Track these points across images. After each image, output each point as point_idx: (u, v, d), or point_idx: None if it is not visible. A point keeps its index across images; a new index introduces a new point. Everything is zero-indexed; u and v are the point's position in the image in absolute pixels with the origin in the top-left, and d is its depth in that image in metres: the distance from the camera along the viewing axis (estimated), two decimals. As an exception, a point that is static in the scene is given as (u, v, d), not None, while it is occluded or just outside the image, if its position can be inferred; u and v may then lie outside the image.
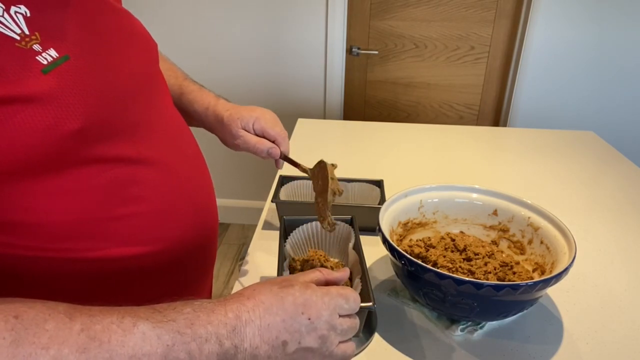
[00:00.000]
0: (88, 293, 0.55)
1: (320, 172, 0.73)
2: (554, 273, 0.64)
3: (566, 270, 0.65)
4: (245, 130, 0.77)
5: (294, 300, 0.46)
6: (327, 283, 0.52)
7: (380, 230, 0.72)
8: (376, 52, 2.22)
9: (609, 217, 1.05)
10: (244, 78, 2.26)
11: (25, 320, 0.35)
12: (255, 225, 0.99)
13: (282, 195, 0.96)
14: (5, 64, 0.44)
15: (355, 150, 1.38)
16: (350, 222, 0.80)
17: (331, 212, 0.71)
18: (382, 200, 0.93)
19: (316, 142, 1.42)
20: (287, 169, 1.19)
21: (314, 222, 0.80)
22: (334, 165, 0.73)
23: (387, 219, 0.77)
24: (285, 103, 2.30)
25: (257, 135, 0.78)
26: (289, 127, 1.51)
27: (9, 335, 0.34)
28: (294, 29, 2.15)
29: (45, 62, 0.46)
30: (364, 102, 2.34)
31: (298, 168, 0.77)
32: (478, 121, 2.35)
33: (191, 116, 0.81)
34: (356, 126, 1.61)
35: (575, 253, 0.68)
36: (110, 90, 0.54)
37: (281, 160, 0.79)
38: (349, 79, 2.29)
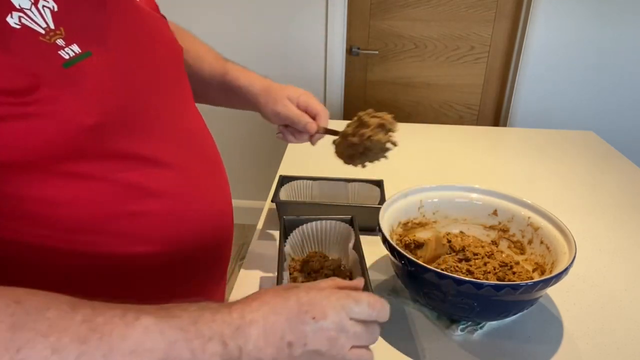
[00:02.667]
0: (100, 287, 0.56)
1: (361, 122, 0.74)
2: (554, 273, 0.64)
3: (566, 270, 0.65)
4: (290, 101, 0.79)
5: (298, 299, 0.44)
6: None
7: (380, 230, 0.72)
8: (376, 52, 2.22)
9: (609, 217, 1.05)
10: (244, 78, 2.26)
11: (26, 306, 0.35)
12: (255, 225, 0.99)
13: (282, 195, 0.96)
14: (28, 56, 0.45)
15: (355, 150, 1.38)
16: (350, 222, 0.80)
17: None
18: (382, 200, 0.93)
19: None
20: (287, 170, 1.19)
21: (314, 222, 0.80)
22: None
23: (387, 219, 0.77)
24: (285, 103, 2.29)
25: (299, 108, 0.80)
26: (289, 127, 1.51)
27: (9, 319, 0.34)
28: (294, 29, 2.15)
29: (67, 57, 0.47)
30: (364, 102, 2.34)
31: (338, 134, 0.79)
32: (478, 121, 2.35)
33: (235, 92, 0.83)
34: (356, 126, 1.60)
35: (575, 253, 0.68)
36: (130, 89, 0.54)
37: (316, 136, 0.81)
38: (349, 79, 2.29)
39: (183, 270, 0.63)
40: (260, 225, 0.98)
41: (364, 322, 0.45)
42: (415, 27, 2.16)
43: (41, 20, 0.47)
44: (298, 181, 1.00)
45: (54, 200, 0.50)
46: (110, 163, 0.53)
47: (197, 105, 0.74)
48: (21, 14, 0.45)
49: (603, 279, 0.85)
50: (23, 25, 0.45)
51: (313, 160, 1.26)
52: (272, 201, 0.94)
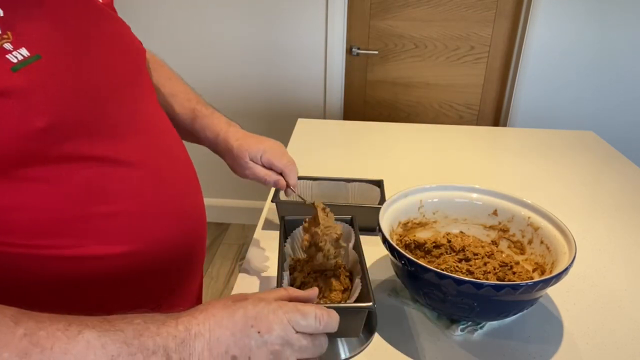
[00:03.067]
0: (66, 292, 0.55)
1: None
2: (554, 273, 0.64)
3: (566, 270, 0.65)
4: (254, 162, 0.79)
5: (245, 313, 0.44)
6: (291, 301, 0.50)
7: (380, 230, 0.72)
8: (376, 52, 2.22)
9: (609, 217, 1.05)
10: (244, 78, 2.26)
11: None
12: (255, 225, 0.99)
13: (282, 195, 0.96)
14: None
15: (355, 150, 1.38)
16: (350, 222, 0.80)
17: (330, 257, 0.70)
18: (382, 200, 0.93)
19: (316, 142, 1.42)
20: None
21: (314, 222, 0.80)
22: (324, 211, 0.72)
23: (387, 219, 0.77)
24: (285, 103, 2.30)
25: (264, 166, 0.80)
26: (289, 127, 1.51)
27: None
28: (294, 29, 2.15)
29: (15, 61, 0.47)
30: (364, 102, 2.34)
31: (305, 203, 0.77)
32: (478, 121, 2.35)
33: (202, 141, 0.84)
34: (356, 126, 1.61)
35: (575, 253, 0.68)
36: (85, 89, 0.54)
37: (289, 190, 0.81)
38: (349, 79, 2.29)
39: (154, 271, 0.62)
40: (260, 225, 0.98)
41: (311, 335, 0.46)
42: (415, 27, 2.16)
43: None
44: (298, 181, 1.00)
45: (8, 205, 0.49)
46: (67, 165, 0.52)
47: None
48: None
49: (603, 279, 0.85)
50: None
51: (313, 160, 1.26)
52: (272, 201, 0.94)
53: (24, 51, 0.48)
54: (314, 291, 0.53)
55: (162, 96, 0.82)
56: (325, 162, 1.27)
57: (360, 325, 0.65)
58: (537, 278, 0.74)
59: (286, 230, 0.78)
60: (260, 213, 1.03)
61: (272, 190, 1.01)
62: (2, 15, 0.48)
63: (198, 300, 0.81)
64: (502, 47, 2.17)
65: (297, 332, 0.45)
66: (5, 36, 0.48)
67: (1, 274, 0.51)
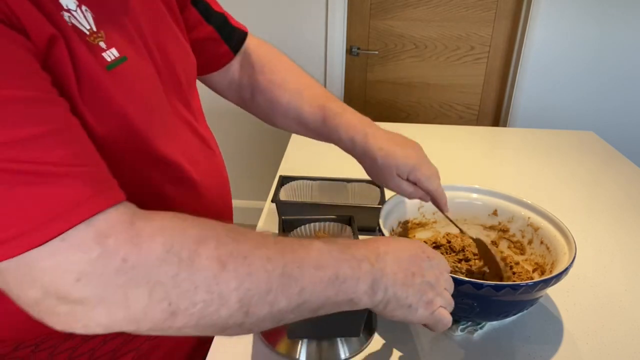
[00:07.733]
0: None
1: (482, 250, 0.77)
2: (554, 273, 0.64)
3: (566, 270, 0.65)
4: (399, 177, 0.73)
5: (420, 245, 0.56)
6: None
7: (380, 230, 0.72)
8: (376, 52, 2.22)
9: (609, 217, 1.04)
10: (244, 78, 2.26)
11: (233, 229, 0.46)
12: (255, 225, 0.99)
13: (282, 195, 0.96)
14: (80, 54, 0.46)
15: (355, 150, 1.38)
16: (349, 222, 0.80)
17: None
18: (382, 200, 0.93)
19: (316, 142, 1.42)
20: (287, 170, 1.19)
21: (313, 223, 0.80)
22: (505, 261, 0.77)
23: (387, 219, 0.77)
24: (285, 103, 2.30)
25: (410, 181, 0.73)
26: (289, 127, 1.51)
27: (230, 240, 0.44)
28: (294, 28, 2.15)
29: (109, 60, 0.49)
30: (364, 102, 2.34)
31: (461, 230, 0.77)
32: (478, 121, 2.35)
33: (335, 142, 0.79)
34: (356, 126, 1.60)
35: (575, 253, 0.68)
36: (151, 96, 0.57)
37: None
38: (349, 79, 2.29)
39: None
40: (260, 225, 0.98)
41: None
42: (415, 27, 2.17)
43: (85, 21, 0.48)
44: (298, 181, 1.00)
45: None
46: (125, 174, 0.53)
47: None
48: (69, 14, 0.46)
49: (603, 279, 0.85)
50: (72, 24, 0.47)
51: (313, 160, 1.26)
52: (272, 201, 0.94)
53: (115, 51, 0.50)
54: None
55: (288, 92, 0.80)
56: (325, 162, 1.27)
57: (361, 325, 0.65)
58: (537, 278, 0.74)
59: (285, 230, 0.78)
60: (260, 213, 1.03)
61: (272, 190, 1.00)
62: (94, 15, 0.50)
63: None
64: (502, 47, 2.18)
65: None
66: (99, 35, 0.49)
67: None
